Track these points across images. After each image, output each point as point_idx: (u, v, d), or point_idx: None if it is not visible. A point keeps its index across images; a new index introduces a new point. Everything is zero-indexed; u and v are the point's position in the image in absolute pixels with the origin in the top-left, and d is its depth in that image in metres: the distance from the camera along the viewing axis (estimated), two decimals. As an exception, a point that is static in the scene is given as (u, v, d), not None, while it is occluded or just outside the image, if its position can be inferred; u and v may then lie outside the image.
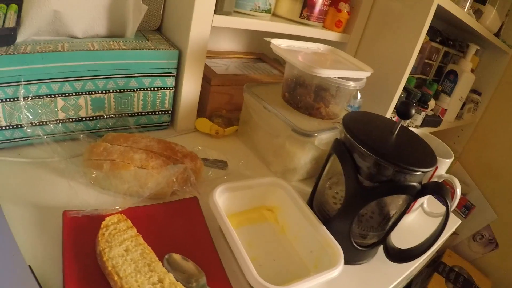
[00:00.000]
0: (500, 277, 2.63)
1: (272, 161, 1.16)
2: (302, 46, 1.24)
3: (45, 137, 0.92)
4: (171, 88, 1.14)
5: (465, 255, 2.78)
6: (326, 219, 0.88)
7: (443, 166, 1.04)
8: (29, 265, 0.63)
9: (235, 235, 0.74)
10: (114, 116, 1.07)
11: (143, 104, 1.11)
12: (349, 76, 1.10)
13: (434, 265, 2.57)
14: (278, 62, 1.65)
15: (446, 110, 2.14)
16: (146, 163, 0.87)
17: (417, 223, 1.15)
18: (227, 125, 1.28)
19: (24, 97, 0.90)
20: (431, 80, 2.14)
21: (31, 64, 0.88)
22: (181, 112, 1.19)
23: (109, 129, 1.08)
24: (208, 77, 1.24)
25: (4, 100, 0.87)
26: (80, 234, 0.72)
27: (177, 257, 0.73)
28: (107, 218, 0.73)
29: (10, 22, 0.89)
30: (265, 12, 1.24)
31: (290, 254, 0.87)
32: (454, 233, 2.78)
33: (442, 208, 0.79)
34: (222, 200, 0.85)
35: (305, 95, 1.13)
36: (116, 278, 0.63)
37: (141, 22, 1.10)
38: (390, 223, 0.90)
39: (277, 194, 0.95)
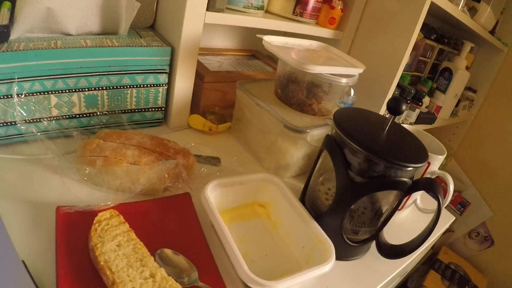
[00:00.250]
0: (495, 274, 2.65)
1: (265, 157, 1.17)
2: (295, 43, 1.24)
3: (39, 134, 0.93)
4: (164, 85, 1.14)
5: (461, 252, 2.79)
6: (318, 215, 0.88)
7: (435, 163, 1.04)
8: (22, 260, 0.63)
9: (226, 230, 0.75)
10: (107, 113, 1.08)
11: (136, 101, 1.11)
12: (341, 73, 1.11)
13: (430, 262, 2.58)
14: (271, 59, 1.65)
15: (440, 107, 2.14)
16: (139, 159, 0.88)
17: (410, 219, 1.16)
18: (220, 122, 1.28)
19: (17, 94, 0.90)
20: (426, 77, 2.14)
21: (25, 61, 0.88)
22: (174, 109, 1.20)
23: (103, 126, 1.08)
24: (201, 74, 1.24)
25: (-3, 97, 0.88)
26: (73, 230, 0.73)
27: (168, 252, 0.74)
28: (100, 214, 0.74)
29: (4, 20, 0.90)
30: (258, 9, 1.25)
31: (282, 250, 0.88)
32: (450, 231, 2.79)
33: (435, 205, 0.79)
34: (214, 196, 0.86)
35: (297, 92, 1.14)
36: (108, 272, 0.63)
37: (134, 19, 1.10)
38: (382, 219, 0.90)
39: (269, 190, 0.96)
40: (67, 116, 1.02)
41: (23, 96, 0.91)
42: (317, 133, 1.06)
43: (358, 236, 0.91)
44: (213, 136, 1.26)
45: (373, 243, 0.93)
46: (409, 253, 0.86)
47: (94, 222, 0.72)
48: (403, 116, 1.77)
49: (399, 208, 1.10)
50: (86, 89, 1.01)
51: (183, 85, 1.17)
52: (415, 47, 1.87)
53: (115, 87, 1.05)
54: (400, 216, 1.15)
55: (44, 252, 0.69)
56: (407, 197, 1.08)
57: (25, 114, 0.93)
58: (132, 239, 0.72)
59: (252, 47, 1.72)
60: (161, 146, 0.94)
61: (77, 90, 0.99)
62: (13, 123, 0.92)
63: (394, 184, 0.81)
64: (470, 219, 2.71)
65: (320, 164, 0.94)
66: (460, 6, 1.64)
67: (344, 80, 1.10)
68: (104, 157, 0.87)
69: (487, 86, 2.58)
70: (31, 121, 0.95)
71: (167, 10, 1.17)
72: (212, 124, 1.24)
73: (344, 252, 0.89)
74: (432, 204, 1.20)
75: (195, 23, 1.08)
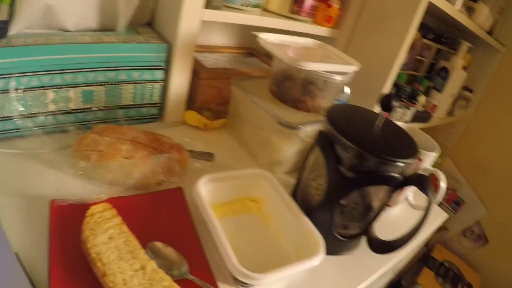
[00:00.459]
0: (489, 272, 2.66)
1: (259, 153, 1.18)
2: (291, 41, 1.25)
3: (36, 128, 0.94)
4: (160, 81, 1.15)
5: (455, 250, 2.80)
6: (309, 210, 0.89)
7: (428, 159, 1.05)
8: (16, 253, 0.64)
9: (217, 224, 0.76)
10: (103, 108, 1.09)
11: (132, 97, 1.12)
12: (335, 70, 1.12)
13: (424, 259, 2.59)
14: (268, 57, 1.65)
15: (436, 106, 2.15)
16: (133, 153, 0.89)
17: (403, 216, 1.17)
18: (216, 118, 1.29)
19: (15, 89, 0.91)
20: (423, 76, 2.15)
21: (23, 56, 0.89)
22: (170, 105, 1.21)
23: (99, 121, 1.09)
24: (197, 71, 1.25)
25: (-5, 92, 0.89)
26: (66, 223, 0.74)
27: (159, 245, 0.75)
28: (93, 207, 0.75)
29: (3, 15, 0.91)
30: (255, 6, 1.25)
31: (273, 244, 0.89)
32: (444, 228, 2.80)
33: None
34: (206, 191, 0.87)
35: (292, 89, 1.15)
36: (99, 264, 0.64)
37: (132, 16, 1.11)
38: (372, 214, 0.92)
39: (261, 185, 0.97)
40: (64, 111, 1.02)
41: (20, 91, 0.92)
42: (310, 130, 1.07)
43: (348, 231, 0.92)
44: (208, 132, 1.26)
45: (364, 239, 0.94)
46: (399, 249, 0.87)
47: (87, 215, 0.73)
48: (399, 114, 1.77)
49: (392, 204, 1.11)
50: (83, 85, 1.02)
51: (179, 81, 1.18)
52: (412, 47, 1.88)
53: (111, 83, 1.06)
54: (393, 212, 1.16)
55: (37, 245, 0.70)
56: (400, 193, 1.10)
57: (22, 109, 0.94)
58: (124, 232, 0.73)
59: (249, 45, 1.73)
60: (155, 141, 0.95)
61: (74, 85, 1.00)
62: (10, 117, 0.93)
63: (384, 180, 0.82)
64: (464, 218, 2.73)
65: (313, 159, 0.95)
66: (458, 6, 1.64)
67: (338, 78, 1.12)
68: (99, 151, 0.88)
69: (484, 86, 2.59)
70: (28, 116, 0.96)
71: (165, 7, 1.18)
72: (208, 120, 1.25)
73: (335, 247, 0.91)
74: (424, 200, 1.22)
75: (192, 20, 1.09)
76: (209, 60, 1.43)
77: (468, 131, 2.71)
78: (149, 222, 0.82)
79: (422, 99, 2.00)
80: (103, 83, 1.05)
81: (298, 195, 1.00)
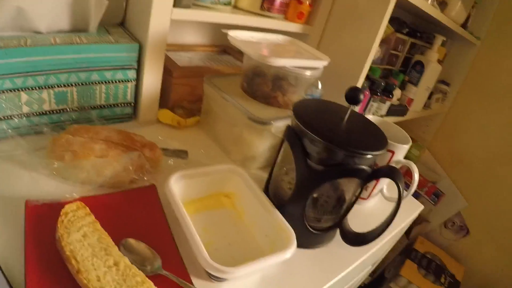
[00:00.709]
0: (472, 262, 2.70)
1: (232, 150, 1.19)
2: (262, 38, 1.27)
3: (10, 131, 0.94)
4: (132, 81, 1.15)
5: (438, 242, 2.83)
6: (281, 204, 0.90)
7: (400, 152, 1.05)
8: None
9: (188, 219, 0.77)
10: (77, 109, 1.09)
11: (105, 97, 1.13)
12: (304, 65, 1.13)
13: (407, 252, 2.62)
14: (242, 54, 1.66)
15: (412, 100, 2.17)
16: (106, 153, 0.90)
17: (378, 208, 1.19)
18: (189, 116, 1.29)
19: (-13, 92, 0.91)
20: (398, 70, 2.17)
21: (-6, 60, 0.89)
22: (143, 104, 1.21)
23: (73, 122, 1.09)
24: (170, 70, 1.26)
25: (-32, 95, 0.89)
26: (41, 222, 0.74)
27: (132, 241, 0.76)
28: (66, 206, 0.75)
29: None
30: (226, 4, 1.26)
31: (246, 239, 0.90)
32: (425, 221, 2.83)
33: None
34: (179, 187, 0.87)
35: (262, 85, 1.16)
36: (73, 262, 0.65)
37: (104, 16, 1.11)
38: (344, 207, 0.93)
39: (233, 180, 0.97)
40: (38, 113, 1.03)
41: (-7, 93, 0.92)
42: (282, 125, 1.07)
43: (321, 224, 0.93)
44: (182, 130, 1.27)
45: (338, 231, 0.96)
46: (372, 241, 0.88)
47: (61, 214, 0.73)
48: (373, 108, 1.79)
49: (367, 197, 1.13)
50: (56, 86, 1.02)
51: (151, 80, 1.18)
52: (386, 41, 1.90)
53: (84, 84, 1.06)
54: (368, 205, 1.18)
55: (13, 244, 0.71)
56: (375, 186, 1.11)
57: (-5, 112, 0.94)
58: (97, 229, 0.74)
59: (223, 43, 1.73)
60: (128, 140, 0.96)
61: (47, 87, 1.00)
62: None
63: (353, 172, 0.83)
64: (445, 209, 2.76)
65: (282, 154, 0.96)
66: (430, 0, 1.67)
67: (308, 73, 1.13)
68: (72, 151, 0.88)
69: (461, 79, 2.63)
70: (2, 118, 0.96)
71: (136, 7, 1.18)
72: (181, 118, 1.26)
73: (308, 240, 0.92)
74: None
75: (162, 19, 1.09)
76: (183, 58, 1.44)
77: (445, 123, 2.75)
78: (122, 219, 0.83)
79: (397, 92, 2.03)
80: (75, 84, 1.05)
81: (271, 189, 1.01)
